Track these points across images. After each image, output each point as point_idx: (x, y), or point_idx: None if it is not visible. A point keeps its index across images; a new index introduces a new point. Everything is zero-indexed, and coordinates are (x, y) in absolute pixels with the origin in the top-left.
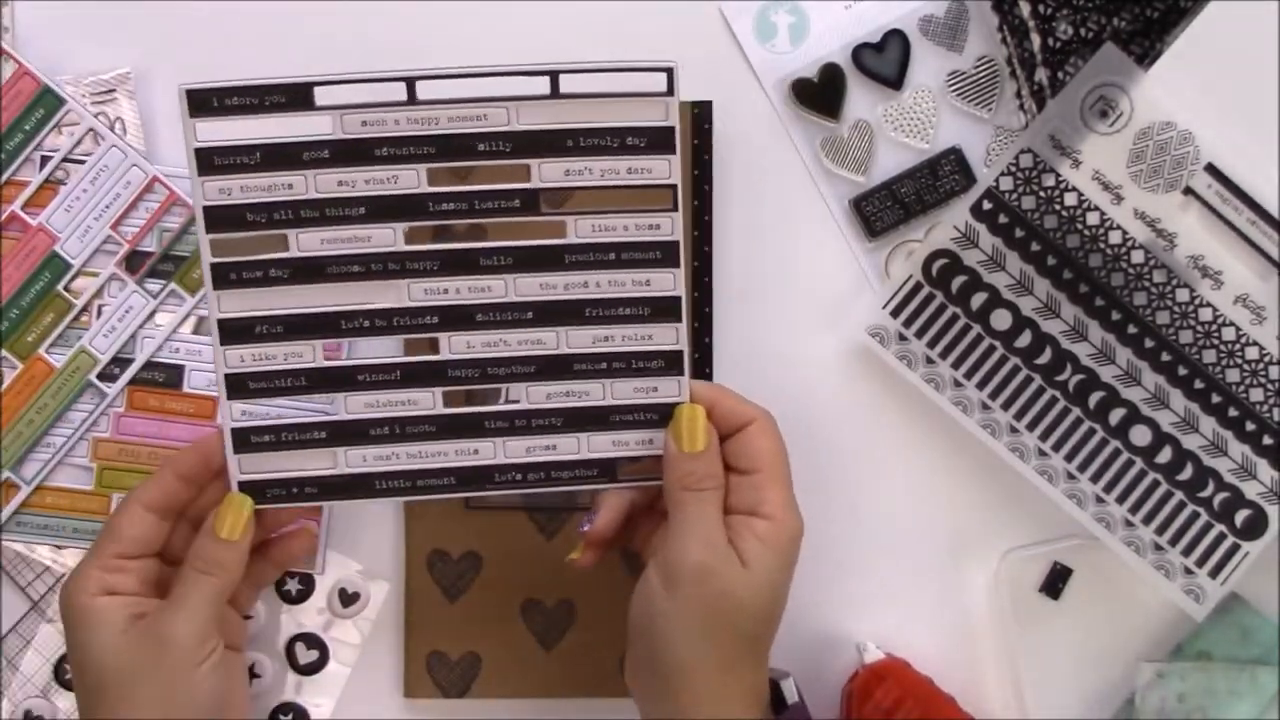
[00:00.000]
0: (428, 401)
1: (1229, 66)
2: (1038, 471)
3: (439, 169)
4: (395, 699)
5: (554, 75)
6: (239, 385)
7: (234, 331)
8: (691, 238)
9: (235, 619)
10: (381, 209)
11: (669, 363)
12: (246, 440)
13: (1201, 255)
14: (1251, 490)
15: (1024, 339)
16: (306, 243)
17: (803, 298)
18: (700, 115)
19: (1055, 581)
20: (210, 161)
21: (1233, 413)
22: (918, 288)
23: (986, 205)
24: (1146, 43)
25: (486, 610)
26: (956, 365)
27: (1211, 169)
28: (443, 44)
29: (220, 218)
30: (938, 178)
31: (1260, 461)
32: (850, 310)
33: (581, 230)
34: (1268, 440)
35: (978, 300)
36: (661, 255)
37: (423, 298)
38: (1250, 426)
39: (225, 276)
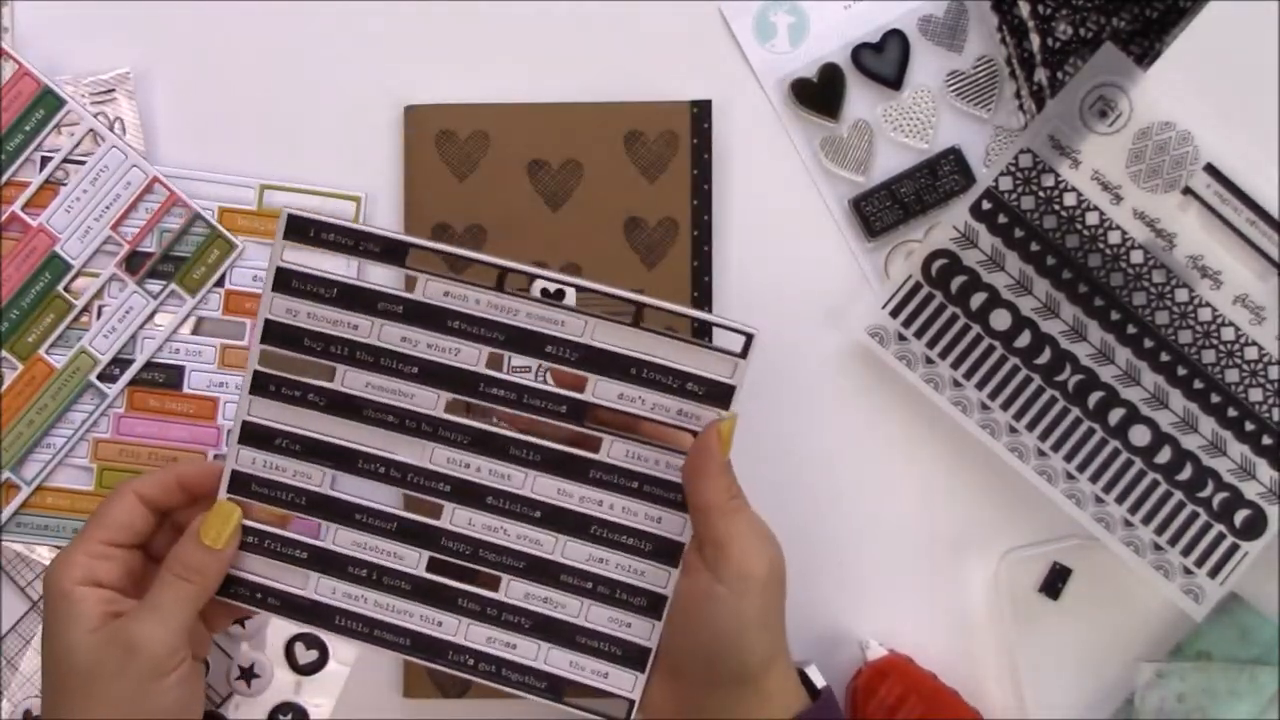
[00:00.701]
0: (412, 560)
1: (1228, 66)
2: (1037, 471)
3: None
4: (395, 699)
5: (640, 306)
6: (242, 483)
7: (255, 436)
8: (692, 237)
9: (203, 631)
10: (433, 374)
11: (650, 604)
12: None
13: (1201, 255)
14: (1251, 490)
15: (1023, 339)
16: (352, 380)
17: (802, 298)
18: (700, 114)
19: (1055, 581)
20: (288, 282)
21: (1232, 413)
22: (917, 288)
23: (986, 205)
24: (1146, 43)
25: None
26: (956, 365)
27: (1211, 169)
28: (443, 43)
29: (279, 333)
30: (937, 178)
31: (1259, 461)
32: (850, 310)
33: (615, 452)
34: (1267, 440)
35: (977, 300)
36: (679, 497)
37: (444, 465)
38: (1249, 426)
39: (264, 386)
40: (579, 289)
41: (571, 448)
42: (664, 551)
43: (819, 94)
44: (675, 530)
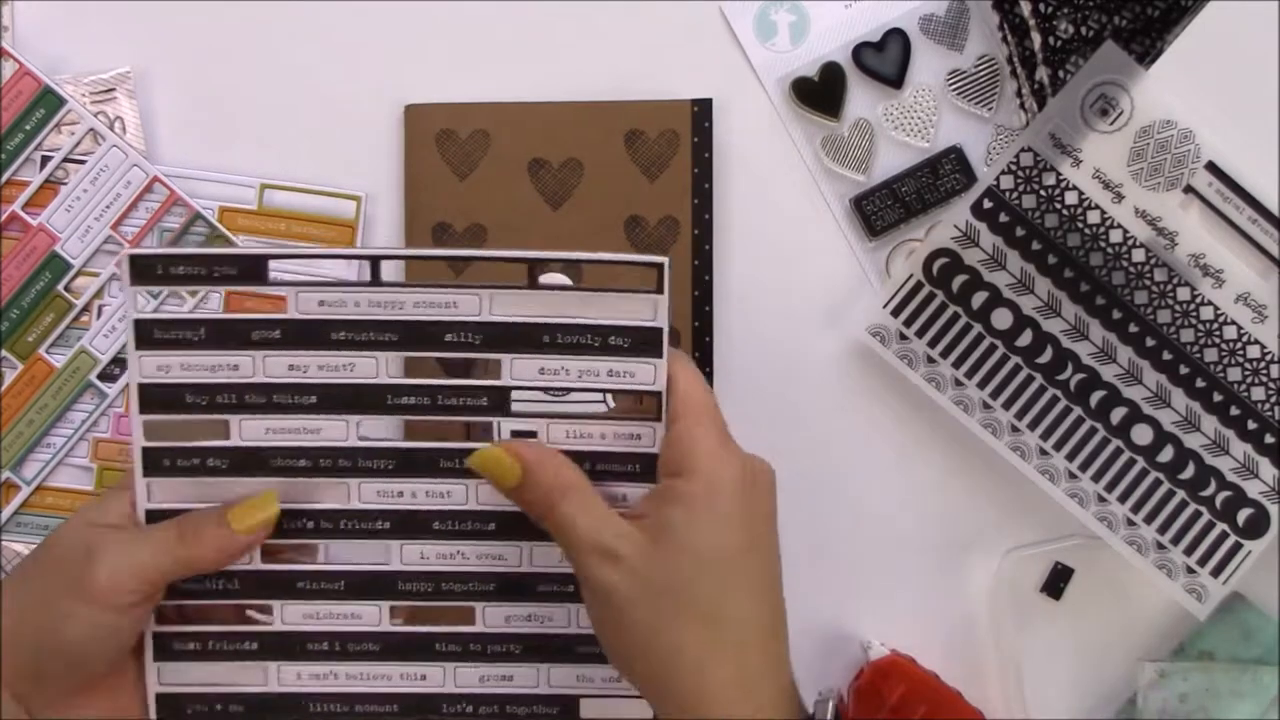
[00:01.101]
0: (373, 617)
1: (1230, 65)
2: (1039, 471)
3: (408, 358)
4: None
5: (532, 264)
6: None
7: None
8: (692, 236)
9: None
10: (334, 399)
11: None
12: (168, 647)
13: (1202, 254)
14: (1253, 489)
15: (1025, 338)
16: (250, 431)
17: (803, 297)
18: (700, 113)
19: (1056, 581)
20: (150, 335)
21: (1234, 411)
22: (918, 287)
23: (987, 204)
24: (1147, 41)
25: None
26: (957, 364)
27: (1212, 167)
28: (443, 42)
29: (157, 398)
30: (938, 177)
31: (1262, 460)
32: (851, 309)
33: (554, 436)
34: (1269, 439)
35: (978, 299)
36: (639, 469)
37: (374, 500)
38: (1252, 425)
39: (158, 464)
40: (454, 258)
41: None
42: None
43: (820, 93)
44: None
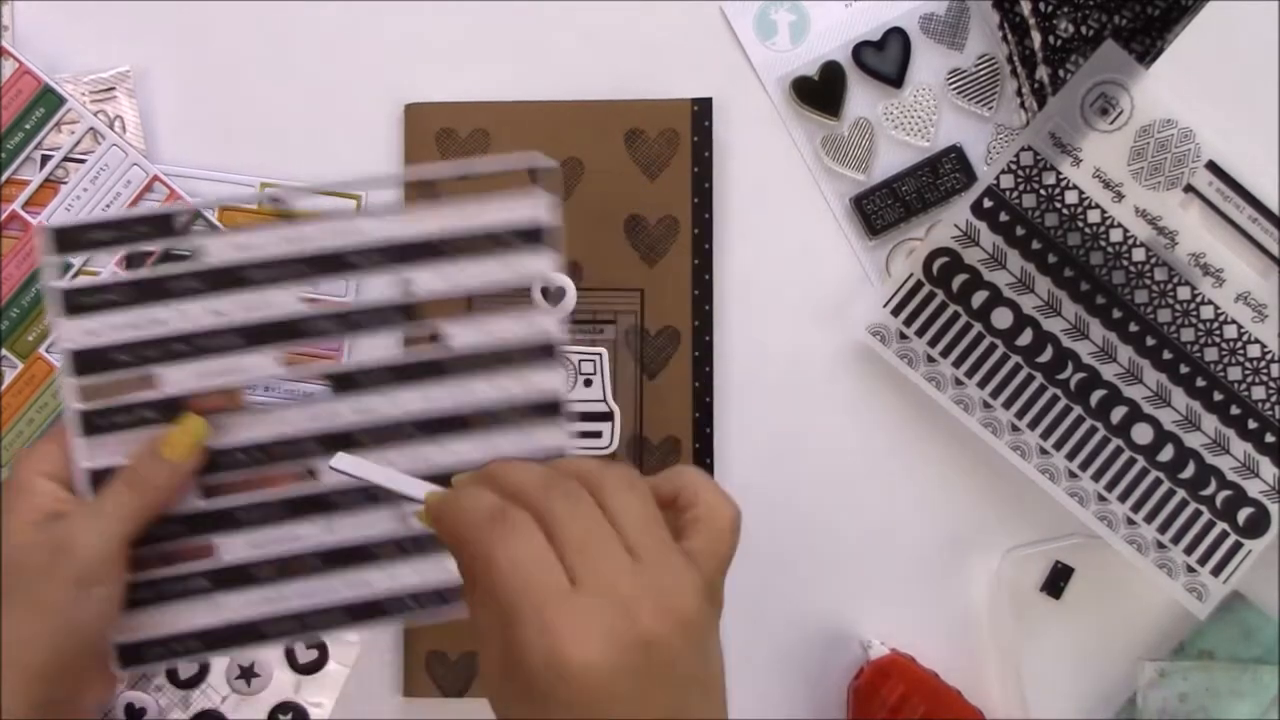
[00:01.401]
0: (314, 533)
1: (1230, 64)
2: (1039, 470)
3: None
4: (394, 698)
5: (424, 181)
6: None
7: (104, 480)
8: (692, 235)
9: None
10: (255, 335)
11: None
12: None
13: (1202, 253)
14: (1254, 488)
15: (1025, 337)
16: (177, 378)
17: (803, 296)
18: (700, 113)
19: (1056, 580)
20: (78, 303)
21: (1234, 410)
22: (918, 286)
23: (987, 203)
24: (1147, 40)
25: None
26: (958, 364)
27: (1212, 166)
28: (443, 41)
29: (90, 362)
30: (938, 176)
31: (1262, 459)
32: (851, 309)
33: (463, 338)
34: (1269, 438)
35: (979, 299)
36: (544, 354)
37: (307, 423)
38: (1252, 424)
39: (94, 424)
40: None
41: (420, 352)
42: (547, 409)
43: (820, 92)
44: (548, 386)
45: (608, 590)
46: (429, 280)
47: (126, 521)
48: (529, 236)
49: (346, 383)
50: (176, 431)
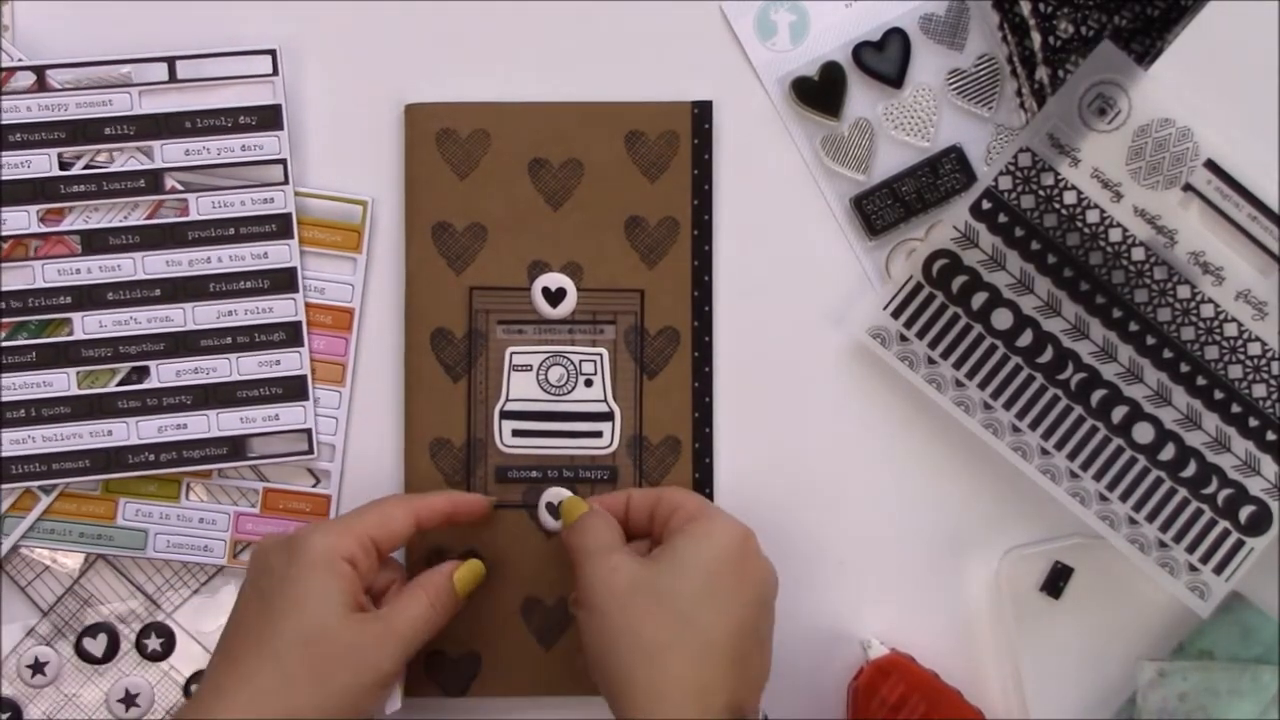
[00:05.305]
0: (62, 383)
1: (1229, 64)
2: (1040, 470)
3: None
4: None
5: (171, 61)
6: None
7: None
8: (692, 237)
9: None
10: (16, 194)
11: (290, 336)
12: None
13: (1202, 251)
14: (1255, 486)
15: (1025, 338)
16: None
17: (803, 297)
18: (700, 114)
19: (1056, 580)
20: None
21: (1235, 409)
22: (918, 288)
23: (986, 205)
24: (1147, 41)
25: (486, 609)
26: (958, 365)
27: (1211, 165)
28: (443, 42)
29: None
30: (938, 176)
31: (1264, 457)
32: (851, 310)
33: (203, 208)
34: (1271, 436)
35: (978, 300)
36: (276, 228)
37: (56, 278)
38: (1253, 422)
39: None
40: (108, 62)
41: (163, 219)
42: (282, 283)
43: (820, 92)
44: (283, 259)
45: None
46: (173, 152)
47: (419, 633)
48: (264, 116)
49: (98, 243)
50: (466, 570)
